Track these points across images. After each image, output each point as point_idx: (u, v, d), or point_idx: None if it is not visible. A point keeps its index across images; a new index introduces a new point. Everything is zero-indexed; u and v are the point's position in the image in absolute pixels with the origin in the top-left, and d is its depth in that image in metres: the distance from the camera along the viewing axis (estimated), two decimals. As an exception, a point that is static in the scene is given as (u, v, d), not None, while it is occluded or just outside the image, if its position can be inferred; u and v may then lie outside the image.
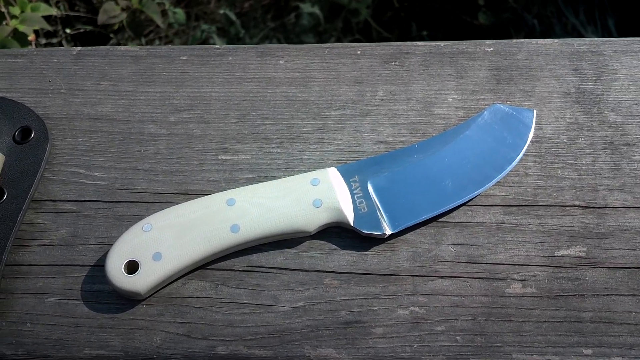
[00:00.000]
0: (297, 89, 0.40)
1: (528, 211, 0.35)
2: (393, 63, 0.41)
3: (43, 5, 1.09)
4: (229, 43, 1.27)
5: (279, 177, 0.37)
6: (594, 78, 0.40)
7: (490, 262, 0.34)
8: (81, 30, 1.28)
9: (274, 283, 0.34)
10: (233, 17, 1.27)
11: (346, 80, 0.40)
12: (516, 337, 0.31)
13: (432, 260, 0.34)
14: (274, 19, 1.39)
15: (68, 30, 1.28)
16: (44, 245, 0.36)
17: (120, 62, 0.42)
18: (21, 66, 0.42)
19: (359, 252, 0.34)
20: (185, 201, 0.35)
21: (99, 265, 0.35)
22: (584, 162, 0.37)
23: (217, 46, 0.43)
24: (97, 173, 0.38)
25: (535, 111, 0.37)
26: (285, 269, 0.34)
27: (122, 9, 1.20)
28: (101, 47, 0.42)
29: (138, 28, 1.25)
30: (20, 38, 1.03)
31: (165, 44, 1.35)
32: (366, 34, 1.27)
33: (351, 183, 0.35)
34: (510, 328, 0.32)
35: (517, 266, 0.33)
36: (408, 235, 0.34)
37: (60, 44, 1.27)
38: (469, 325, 0.32)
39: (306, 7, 1.23)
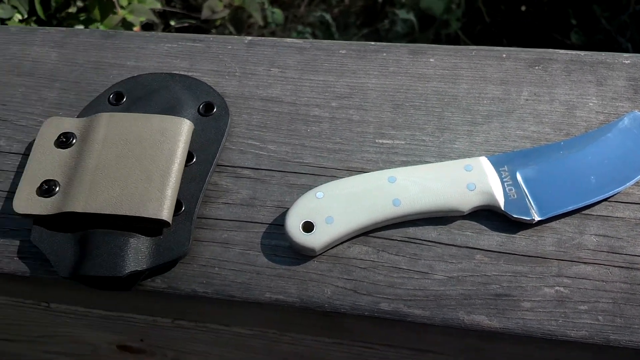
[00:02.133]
0: (447, 85, 0.45)
1: (665, 210, 0.38)
2: (537, 67, 0.45)
3: None
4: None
5: (432, 162, 0.41)
6: None
7: (630, 253, 0.37)
8: (185, 24, 1.36)
9: (429, 254, 0.38)
10: (330, 19, 1.32)
11: (492, 80, 0.45)
12: (653, 320, 0.35)
13: (576, 247, 0.38)
14: (364, 24, 1.44)
15: (172, 23, 1.36)
16: (227, 203, 0.41)
17: (287, 52, 0.47)
18: (200, 49, 0.48)
19: (508, 235, 0.38)
20: (347, 176, 0.40)
21: (276, 224, 0.40)
22: None
23: (373, 43, 0.47)
24: (270, 146, 0.43)
25: (674, 120, 0.41)
26: (440, 242, 0.39)
27: (225, 6, 1.27)
28: (269, 38, 0.48)
29: (239, 24, 1.32)
30: (127, 28, 1.11)
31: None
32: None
33: (501, 172, 0.39)
34: (648, 312, 0.35)
35: (654, 258, 0.37)
36: (553, 224, 0.38)
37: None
38: (610, 307, 0.36)
39: (402, 13, 1.28)
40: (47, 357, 0.60)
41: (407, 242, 0.39)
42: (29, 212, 0.41)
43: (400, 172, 0.40)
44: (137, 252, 0.39)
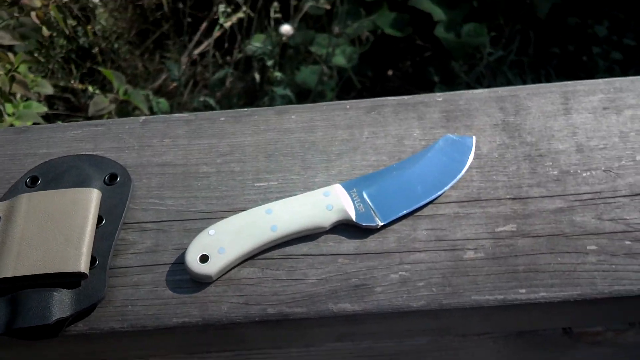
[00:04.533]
0: (306, 134, 0.56)
1: (475, 204, 0.50)
2: (373, 112, 0.57)
3: (34, 103, 1.24)
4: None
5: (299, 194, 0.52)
6: (514, 113, 0.56)
7: (452, 238, 0.48)
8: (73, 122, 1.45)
9: (303, 264, 0.48)
10: (213, 102, 1.45)
11: (341, 126, 0.56)
12: (473, 285, 0.46)
13: (412, 240, 0.49)
14: (246, 104, 1.58)
15: (60, 122, 1.44)
16: (134, 253, 0.50)
17: (176, 125, 0.58)
18: (102, 132, 0.58)
19: (361, 240, 0.49)
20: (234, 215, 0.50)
21: (178, 263, 0.49)
22: (510, 169, 0.52)
23: (246, 109, 0.59)
24: (168, 201, 0.52)
25: (474, 137, 0.54)
26: (310, 254, 0.48)
27: (110, 101, 1.36)
28: (160, 115, 0.58)
29: (126, 116, 1.40)
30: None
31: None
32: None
33: (351, 193, 0.50)
34: (469, 280, 0.46)
35: (470, 240, 0.48)
36: (394, 226, 0.49)
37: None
38: (440, 280, 0.46)
39: (279, 90, 1.43)
40: None
41: (285, 258, 0.48)
42: None
43: (275, 204, 0.50)
44: (61, 303, 0.46)
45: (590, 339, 0.53)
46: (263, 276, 0.48)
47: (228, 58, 1.67)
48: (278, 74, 1.52)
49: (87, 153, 0.56)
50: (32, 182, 0.54)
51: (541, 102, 0.57)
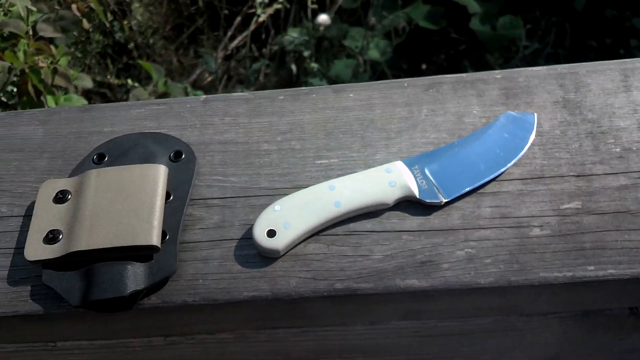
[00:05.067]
0: (365, 112, 0.57)
1: (538, 181, 0.51)
2: (431, 90, 0.57)
3: (75, 96, 1.25)
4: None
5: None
6: (574, 90, 0.56)
7: (516, 216, 0.49)
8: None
9: (368, 241, 0.49)
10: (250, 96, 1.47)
11: (399, 104, 0.57)
12: (540, 262, 0.46)
13: (476, 217, 0.49)
14: None
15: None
16: (202, 228, 0.51)
17: (236, 103, 0.58)
18: (164, 110, 0.59)
19: (424, 217, 0.49)
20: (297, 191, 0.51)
21: (245, 238, 0.50)
22: (573, 146, 0.52)
23: (305, 88, 0.59)
24: (232, 178, 0.54)
25: (535, 115, 0.53)
26: (374, 231, 0.49)
27: (149, 94, 1.37)
28: (220, 94, 0.59)
29: None
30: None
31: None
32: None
33: (413, 170, 0.51)
34: (536, 257, 0.47)
35: (535, 217, 0.49)
36: (457, 203, 0.50)
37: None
38: (507, 257, 0.47)
39: (315, 82, 1.44)
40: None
41: (350, 234, 0.49)
42: (39, 258, 0.49)
43: (337, 181, 0.51)
44: (135, 275, 0.48)
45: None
46: (329, 252, 0.49)
47: (264, 50, 1.68)
48: (315, 65, 1.52)
49: (151, 131, 0.57)
50: (99, 159, 0.55)
51: (600, 79, 0.56)
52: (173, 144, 0.56)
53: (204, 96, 0.59)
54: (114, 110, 0.59)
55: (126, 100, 1.46)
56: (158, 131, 0.57)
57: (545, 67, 0.58)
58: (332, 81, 1.53)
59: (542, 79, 0.57)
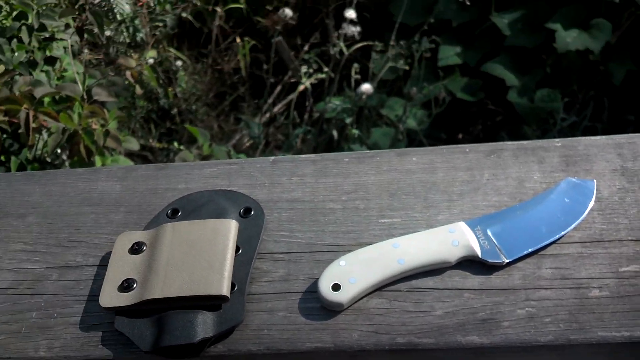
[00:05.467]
0: (427, 175, 0.59)
1: (597, 245, 0.51)
2: (492, 156, 0.59)
3: (122, 158, 1.32)
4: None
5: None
6: (632, 159, 0.57)
7: (576, 277, 0.49)
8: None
9: (429, 297, 0.50)
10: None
11: (461, 168, 0.59)
12: (599, 322, 0.46)
13: (537, 278, 0.50)
14: None
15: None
16: (268, 281, 0.53)
17: (303, 165, 0.62)
18: (235, 170, 0.63)
19: (486, 276, 0.50)
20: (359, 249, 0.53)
21: (309, 291, 0.52)
22: (631, 212, 0.53)
23: (369, 151, 0.62)
24: (298, 234, 0.56)
25: (595, 181, 0.55)
26: (436, 288, 0.50)
27: (194, 157, 1.44)
28: (288, 156, 0.63)
29: None
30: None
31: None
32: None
33: (475, 231, 0.52)
34: (595, 317, 0.47)
35: (595, 279, 0.49)
36: (518, 264, 0.51)
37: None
38: (567, 317, 0.47)
39: (356, 148, 1.50)
40: None
41: (412, 291, 0.51)
42: (113, 305, 0.52)
43: (401, 239, 0.53)
44: (205, 324, 0.50)
45: None
46: (391, 307, 0.50)
47: (305, 117, 1.76)
48: (356, 132, 1.58)
49: (223, 188, 0.61)
50: (173, 213, 0.59)
51: (660, 149, 0.57)
52: (243, 201, 0.59)
53: (273, 157, 0.63)
54: (189, 169, 0.64)
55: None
56: (229, 189, 0.61)
57: (604, 136, 0.59)
58: (370, 148, 1.58)
59: (600, 148, 0.58)
